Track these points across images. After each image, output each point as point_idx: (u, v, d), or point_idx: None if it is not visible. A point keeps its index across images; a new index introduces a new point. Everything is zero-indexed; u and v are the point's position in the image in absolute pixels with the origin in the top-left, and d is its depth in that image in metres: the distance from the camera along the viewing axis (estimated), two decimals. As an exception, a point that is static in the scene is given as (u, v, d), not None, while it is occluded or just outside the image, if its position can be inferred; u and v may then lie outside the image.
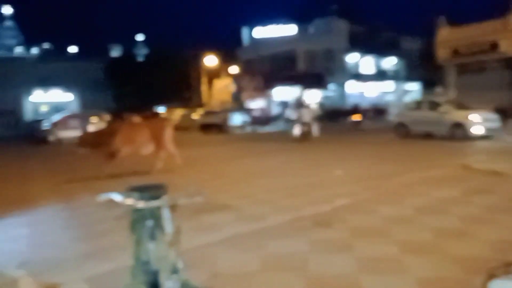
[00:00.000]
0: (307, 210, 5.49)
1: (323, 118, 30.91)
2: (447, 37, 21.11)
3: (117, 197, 1.83)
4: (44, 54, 62.24)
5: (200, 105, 38.73)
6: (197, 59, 38.96)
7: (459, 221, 4.71)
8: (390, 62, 44.34)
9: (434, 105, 15.00)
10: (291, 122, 25.44)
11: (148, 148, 9.28)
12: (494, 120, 13.78)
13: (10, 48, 63.01)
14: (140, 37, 70.04)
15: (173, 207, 1.81)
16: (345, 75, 39.63)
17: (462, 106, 14.71)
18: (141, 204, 1.85)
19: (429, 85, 38.12)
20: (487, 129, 13.38)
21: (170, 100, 42.17)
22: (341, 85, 39.81)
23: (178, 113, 31.34)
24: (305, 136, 17.50)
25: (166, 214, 1.78)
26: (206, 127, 26.07)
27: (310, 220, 4.99)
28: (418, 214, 5.07)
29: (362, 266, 3.52)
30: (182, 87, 41.26)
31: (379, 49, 41.74)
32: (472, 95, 18.05)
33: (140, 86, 42.96)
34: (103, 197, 1.86)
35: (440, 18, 21.48)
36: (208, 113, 28.34)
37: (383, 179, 7.49)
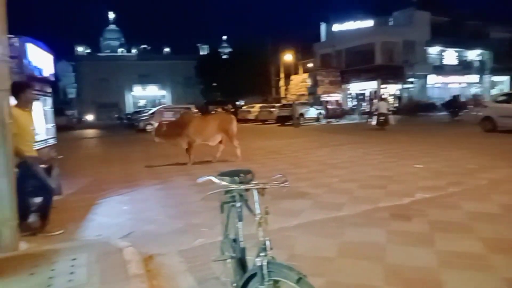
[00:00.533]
0: (385, 202, 5.27)
1: (407, 110, 29.52)
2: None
3: (214, 179, 1.95)
4: (142, 54, 67.44)
5: (278, 99, 38.97)
6: (276, 55, 39.13)
7: (556, 222, 4.16)
8: (475, 53, 40.07)
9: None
10: (367, 115, 24.69)
11: (215, 139, 9.79)
12: None
13: (114, 49, 69.13)
14: (224, 36, 72.34)
15: (261, 191, 1.87)
16: (426, 68, 36.82)
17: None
18: (234, 187, 1.95)
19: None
20: None
21: (250, 94, 43.07)
22: (422, 78, 37.08)
23: (257, 106, 31.92)
24: (382, 125, 17.37)
25: (255, 197, 1.85)
26: (282, 119, 26.27)
27: (387, 212, 4.79)
28: (506, 212, 4.58)
29: (443, 260, 3.29)
30: (262, 82, 41.82)
31: (464, 40, 37.88)
32: None
33: (224, 82, 44.48)
34: (203, 178, 1.98)
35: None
36: (284, 106, 28.45)
37: (467, 175, 6.88)
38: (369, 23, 37.16)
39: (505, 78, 40.59)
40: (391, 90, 36.58)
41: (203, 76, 49.55)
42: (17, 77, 4.63)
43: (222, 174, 2.16)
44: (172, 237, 4.27)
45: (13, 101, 4.01)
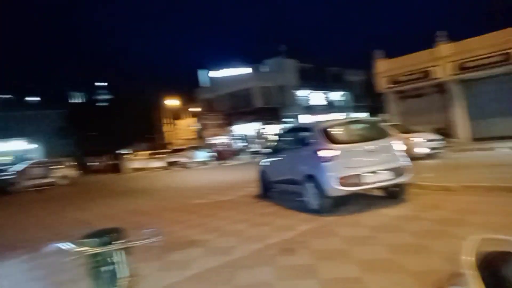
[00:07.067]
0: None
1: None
2: (385, 68, 22.37)
3: (63, 246, 1.63)
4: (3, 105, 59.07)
5: (164, 144, 38.17)
6: (158, 102, 38.75)
7: None
8: (337, 94, 46.33)
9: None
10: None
11: None
12: (437, 140, 14.18)
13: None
14: (99, 83, 67.99)
15: (128, 250, 1.63)
16: (298, 108, 40.78)
17: (406, 129, 14.70)
18: (92, 251, 1.67)
19: (374, 112, 40.05)
20: (431, 149, 13.63)
21: (134, 143, 41.32)
22: (295, 118, 40.88)
23: (145, 154, 30.82)
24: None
25: (119, 257, 1.61)
26: (172, 164, 25.89)
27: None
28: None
29: None
30: (145, 129, 40.55)
31: (327, 83, 43.66)
32: (413, 119, 19.16)
33: (102, 131, 41.77)
34: (52, 247, 1.65)
35: (377, 51, 22.72)
36: (174, 151, 28.21)
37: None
38: (245, 70, 39.96)
39: (365, 115, 47.45)
40: (274, 129, 39.40)
41: (76, 126, 45.68)
42: None
43: (86, 236, 1.86)
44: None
45: None
